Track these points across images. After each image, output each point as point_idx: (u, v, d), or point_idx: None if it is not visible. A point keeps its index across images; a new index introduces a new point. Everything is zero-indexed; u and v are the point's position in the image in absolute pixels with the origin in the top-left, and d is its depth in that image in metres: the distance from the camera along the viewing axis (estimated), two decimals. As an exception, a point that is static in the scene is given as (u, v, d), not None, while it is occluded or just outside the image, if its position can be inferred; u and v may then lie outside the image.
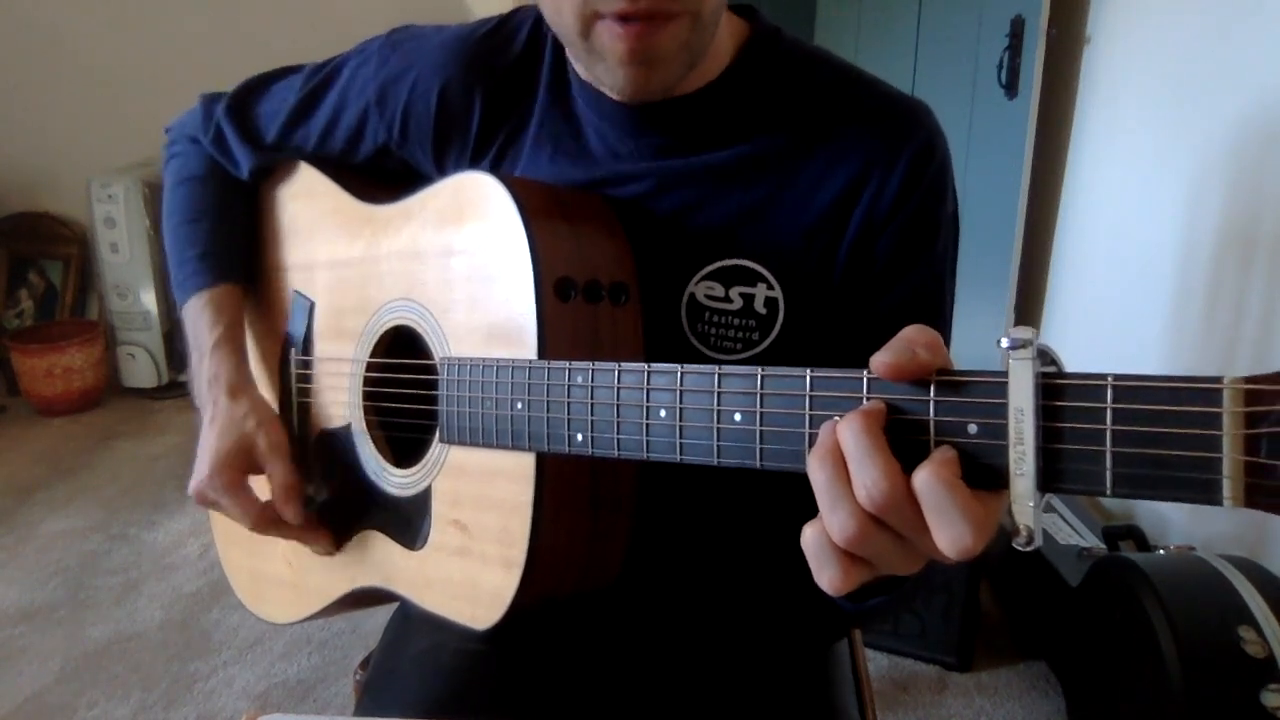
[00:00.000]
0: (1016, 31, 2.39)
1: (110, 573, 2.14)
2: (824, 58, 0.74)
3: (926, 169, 0.69)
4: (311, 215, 0.88)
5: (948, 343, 0.74)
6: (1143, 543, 1.74)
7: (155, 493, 2.52)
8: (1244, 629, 1.22)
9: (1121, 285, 2.19)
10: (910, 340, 0.43)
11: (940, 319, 0.73)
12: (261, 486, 0.81)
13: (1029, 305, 2.60)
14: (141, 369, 3.12)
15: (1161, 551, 1.65)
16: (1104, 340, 2.26)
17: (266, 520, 0.79)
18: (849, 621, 0.87)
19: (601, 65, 0.64)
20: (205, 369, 0.83)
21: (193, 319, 0.85)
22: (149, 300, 3.08)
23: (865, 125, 0.70)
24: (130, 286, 3.08)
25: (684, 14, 0.62)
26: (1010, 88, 2.44)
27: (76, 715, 1.68)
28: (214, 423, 0.80)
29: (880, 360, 0.43)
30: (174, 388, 3.17)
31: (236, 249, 0.90)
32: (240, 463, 0.79)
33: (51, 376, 2.94)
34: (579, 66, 0.72)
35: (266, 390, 0.88)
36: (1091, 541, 1.80)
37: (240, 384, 0.82)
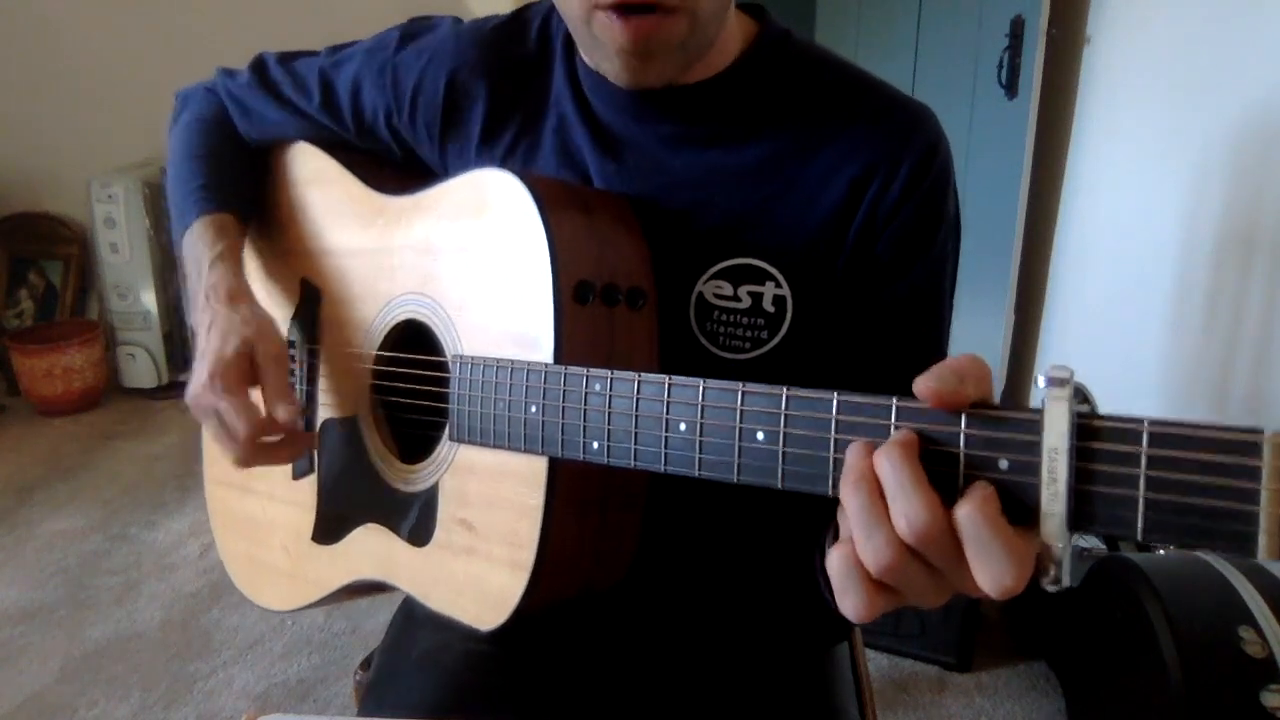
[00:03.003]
0: (1016, 31, 2.39)
1: (110, 573, 2.14)
2: (831, 59, 0.75)
3: (929, 170, 0.70)
4: (322, 202, 0.87)
5: (946, 342, 0.75)
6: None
7: (155, 493, 2.51)
8: (1244, 629, 1.22)
9: (1121, 285, 2.19)
10: (959, 370, 0.42)
11: (939, 319, 0.74)
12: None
13: (1029, 305, 2.60)
14: (141, 369, 3.12)
15: (1161, 551, 1.65)
16: (1104, 341, 2.26)
17: (259, 432, 0.73)
18: (847, 623, 0.87)
19: (601, 52, 0.65)
20: (203, 283, 0.80)
21: (191, 243, 0.83)
22: (149, 300, 3.08)
23: (871, 126, 0.71)
24: (130, 286, 3.07)
25: (681, 11, 0.62)
26: (1010, 88, 2.44)
27: (76, 715, 1.68)
28: (212, 328, 0.77)
29: (926, 386, 0.42)
30: (174, 388, 3.17)
31: (241, 186, 0.89)
32: (240, 369, 0.75)
33: (51, 376, 2.94)
34: (586, 57, 0.72)
35: None
36: (1091, 542, 1.80)
37: (239, 293, 0.79)
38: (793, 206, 0.71)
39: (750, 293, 0.71)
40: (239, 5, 3.06)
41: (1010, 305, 2.54)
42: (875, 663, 1.80)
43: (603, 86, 0.73)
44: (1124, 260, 2.18)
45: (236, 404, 0.73)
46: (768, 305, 0.71)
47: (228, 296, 0.78)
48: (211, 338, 0.76)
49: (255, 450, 0.74)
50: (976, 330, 2.57)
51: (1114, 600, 1.43)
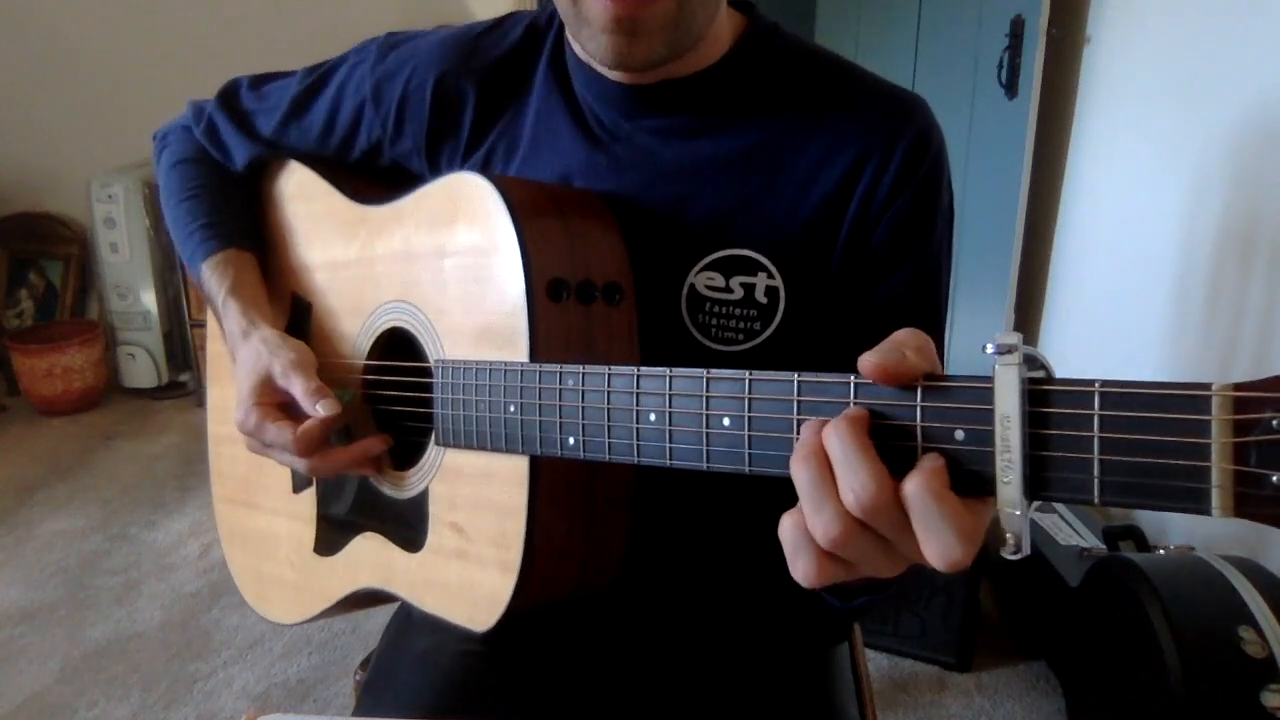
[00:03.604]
0: (1016, 31, 2.39)
1: (110, 573, 2.14)
2: (820, 52, 0.75)
3: (922, 159, 0.70)
4: (306, 217, 0.88)
5: (943, 333, 0.75)
6: (1143, 543, 1.74)
7: (155, 493, 2.51)
8: (1244, 629, 1.22)
9: (1121, 286, 2.19)
10: (900, 343, 0.43)
11: (936, 309, 0.74)
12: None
13: (1029, 305, 2.59)
14: (141, 369, 3.12)
15: (1161, 551, 1.65)
16: (1104, 341, 2.26)
17: (309, 441, 0.73)
18: (841, 619, 0.87)
19: (588, 32, 0.65)
20: (224, 330, 0.83)
21: (206, 290, 0.86)
22: (149, 300, 3.08)
23: (861, 115, 0.71)
24: (130, 286, 3.07)
25: None
26: (1010, 88, 2.44)
27: (76, 715, 1.68)
28: (238, 376, 0.79)
29: (869, 361, 0.42)
30: (174, 388, 3.17)
31: (238, 218, 0.89)
32: (265, 396, 0.76)
33: (51, 376, 2.94)
34: (573, 40, 0.72)
35: None
36: (1091, 541, 1.80)
37: (250, 326, 0.80)
38: (784, 196, 0.71)
39: (742, 284, 0.71)
40: (239, 5, 3.06)
41: (1010, 305, 2.54)
42: (875, 663, 1.80)
43: (594, 81, 0.73)
44: (1124, 260, 2.18)
45: (271, 434, 0.74)
46: (760, 296, 0.71)
47: (242, 334, 0.80)
48: (239, 385, 0.78)
49: (319, 456, 0.74)
50: (976, 330, 2.57)
51: (1114, 600, 1.43)
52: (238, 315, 0.81)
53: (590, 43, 0.66)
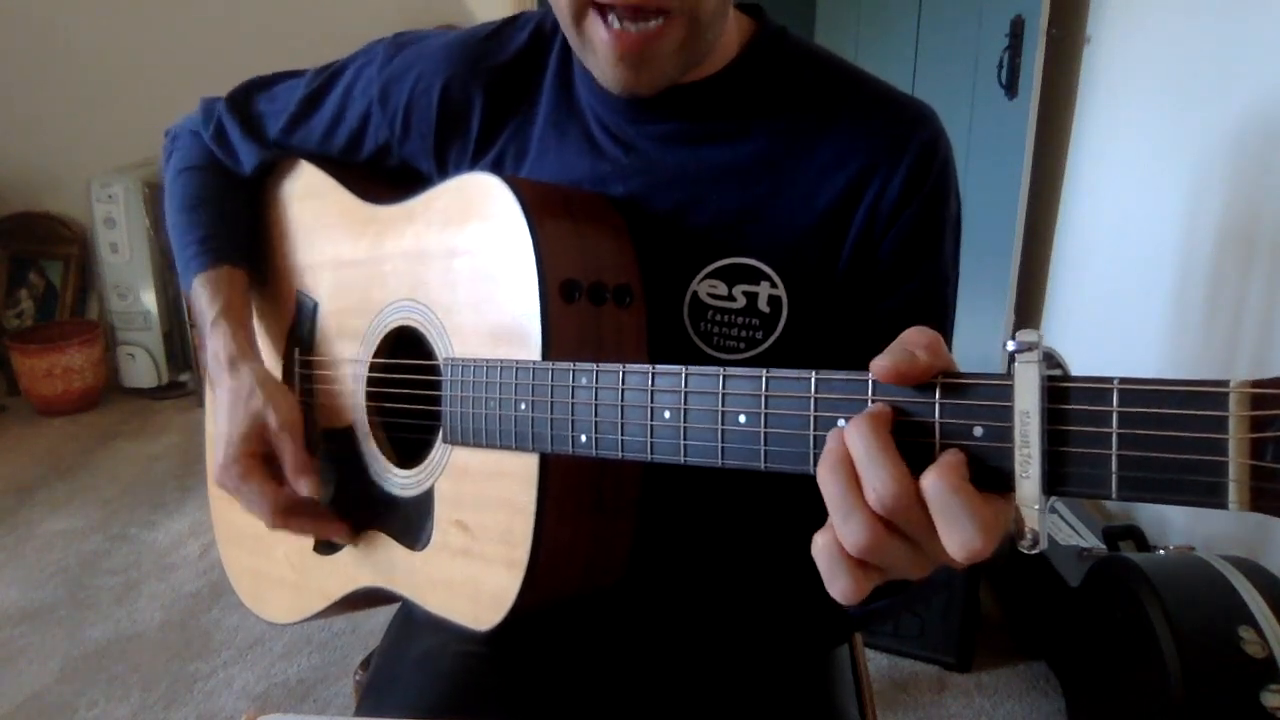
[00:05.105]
0: (1016, 31, 2.39)
1: (110, 573, 2.14)
2: (828, 57, 0.74)
3: (930, 169, 0.69)
4: (314, 216, 0.88)
5: (949, 343, 0.74)
6: (1143, 543, 1.74)
7: (155, 493, 2.51)
8: (1244, 629, 1.22)
9: (1122, 286, 2.19)
10: (909, 343, 0.43)
11: (943, 321, 0.73)
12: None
13: (1029, 305, 2.60)
14: (141, 369, 3.12)
15: (1161, 551, 1.65)
16: (1104, 341, 2.26)
17: (285, 508, 0.76)
18: (852, 625, 0.87)
19: (593, 60, 0.65)
20: (209, 347, 0.82)
21: (196, 302, 0.85)
22: (149, 300, 3.08)
23: (869, 124, 0.70)
24: (130, 286, 3.07)
25: (678, 15, 0.62)
26: (1010, 88, 2.44)
27: (76, 715, 1.68)
28: (222, 405, 0.79)
29: (880, 364, 0.43)
30: (174, 388, 3.17)
31: (236, 233, 0.89)
32: (253, 446, 0.77)
33: (51, 376, 2.94)
34: (576, 53, 0.72)
35: None
36: (1091, 542, 1.80)
37: (239, 355, 0.80)
38: (788, 205, 0.70)
39: (745, 292, 0.71)
40: (239, 5, 3.06)
41: (1010, 305, 2.54)
42: (875, 663, 1.80)
43: (599, 86, 0.73)
44: (1124, 260, 2.18)
45: (253, 491, 0.76)
46: (763, 305, 0.71)
47: (229, 362, 0.80)
48: (220, 420, 0.78)
49: (283, 525, 0.77)
50: (977, 330, 2.57)
51: (1114, 600, 1.43)
52: (227, 338, 0.81)
53: (596, 70, 0.66)
